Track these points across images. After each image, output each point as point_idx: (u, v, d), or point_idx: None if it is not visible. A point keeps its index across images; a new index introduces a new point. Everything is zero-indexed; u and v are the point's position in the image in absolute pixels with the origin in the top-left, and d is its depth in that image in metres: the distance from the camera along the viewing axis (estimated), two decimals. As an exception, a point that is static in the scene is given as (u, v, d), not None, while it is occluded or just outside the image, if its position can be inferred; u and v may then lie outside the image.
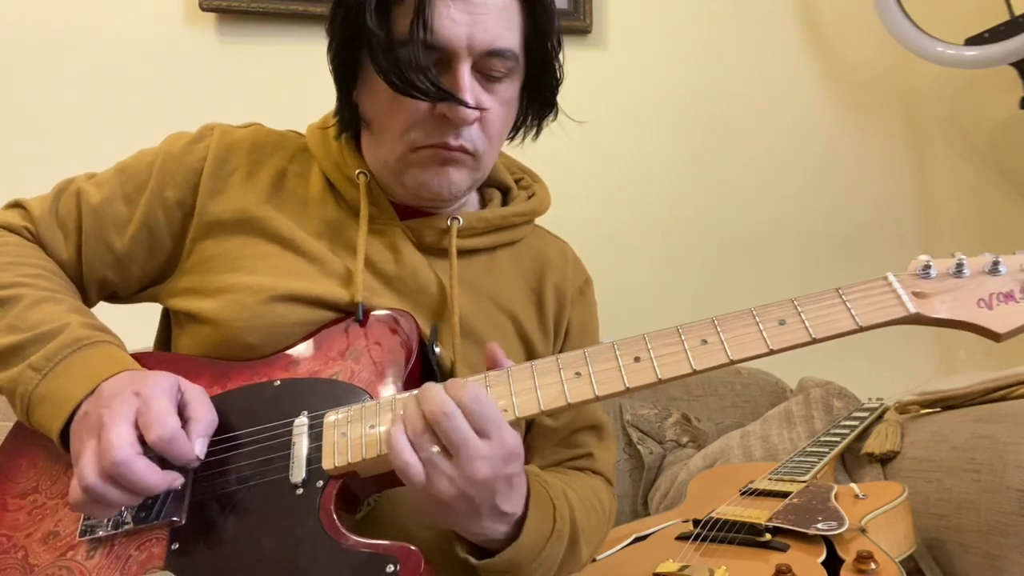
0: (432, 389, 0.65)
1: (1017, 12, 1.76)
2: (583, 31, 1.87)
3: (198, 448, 0.69)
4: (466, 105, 0.77)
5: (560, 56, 0.87)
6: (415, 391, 0.68)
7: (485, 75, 0.80)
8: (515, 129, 0.91)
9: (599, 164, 1.90)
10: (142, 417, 0.67)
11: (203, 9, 1.70)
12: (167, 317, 0.91)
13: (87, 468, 0.65)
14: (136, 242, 0.85)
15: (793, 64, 2.01)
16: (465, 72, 0.77)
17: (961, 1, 1.94)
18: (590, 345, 0.67)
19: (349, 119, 0.86)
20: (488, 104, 0.80)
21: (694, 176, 1.95)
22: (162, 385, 0.70)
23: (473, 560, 0.72)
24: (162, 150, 0.88)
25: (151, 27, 1.72)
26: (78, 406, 0.70)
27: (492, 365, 0.72)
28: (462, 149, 0.80)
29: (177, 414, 0.69)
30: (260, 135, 0.91)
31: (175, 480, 0.68)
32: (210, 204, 0.85)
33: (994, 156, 2.08)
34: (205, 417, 0.71)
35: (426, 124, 0.79)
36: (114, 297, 0.90)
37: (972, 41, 1.78)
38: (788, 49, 2.01)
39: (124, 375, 0.72)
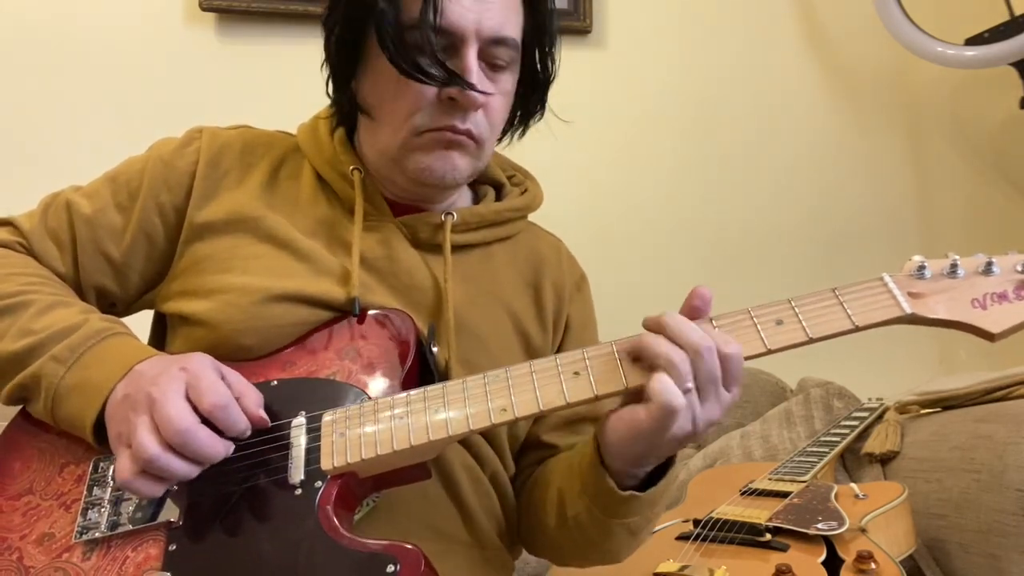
0: (693, 331, 0.66)
1: (1017, 12, 1.76)
2: (583, 31, 1.87)
3: (263, 415, 0.69)
4: (475, 89, 0.78)
5: (555, 55, 0.89)
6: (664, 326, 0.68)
7: (489, 64, 0.82)
8: (506, 127, 0.92)
9: (598, 164, 1.89)
10: (192, 389, 0.67)
11: (203, 9, 1.70)
12: (158, 324, 0.90)
13: (146, 441, 0.64)
14: (134, 250, 0.85)
15: (793, 64, 2.01)
16: (473, 57, 0.79)
17: (961, 1, 1.94)
18: (590, 340, 0.67)
19: (348, 110, 0.87)
20: (492, 91, 0.82)
21: (693, 175, 1.95)
22: (205, 362, 0.70)
23: (639, 493, 0.74)
24: (152, 156, 0.88)
25: (151, 27, 1.72)
26: (111, 393, 0.69)
27: (696, 311, 0.71)
28: (468, 133, 0.81)
29: None
30: (249, 136, 0.91)
31: (231, 448, 0.68)
32: (200, 209, 0.84)
33: (994, 156, 2.07)
34: (253, 393, 0.71)
35: (432, 108, 0.80)
36: (111, 309, 0.89)
37: (972, 41, 1.78)
38: (788, 49, 2.01)
39: (157, 358, 0.72)
